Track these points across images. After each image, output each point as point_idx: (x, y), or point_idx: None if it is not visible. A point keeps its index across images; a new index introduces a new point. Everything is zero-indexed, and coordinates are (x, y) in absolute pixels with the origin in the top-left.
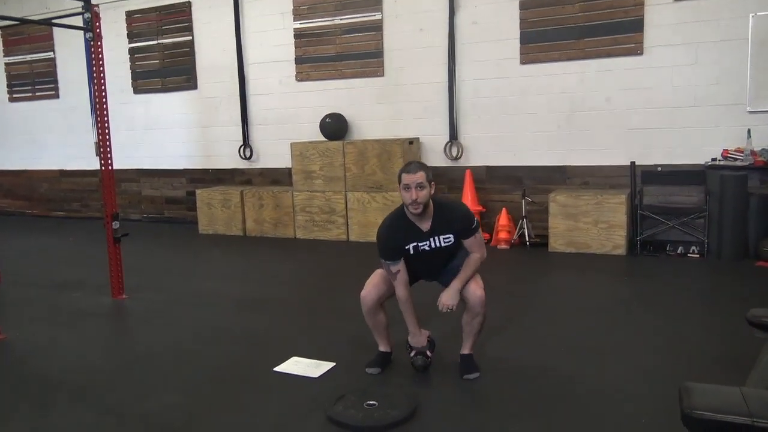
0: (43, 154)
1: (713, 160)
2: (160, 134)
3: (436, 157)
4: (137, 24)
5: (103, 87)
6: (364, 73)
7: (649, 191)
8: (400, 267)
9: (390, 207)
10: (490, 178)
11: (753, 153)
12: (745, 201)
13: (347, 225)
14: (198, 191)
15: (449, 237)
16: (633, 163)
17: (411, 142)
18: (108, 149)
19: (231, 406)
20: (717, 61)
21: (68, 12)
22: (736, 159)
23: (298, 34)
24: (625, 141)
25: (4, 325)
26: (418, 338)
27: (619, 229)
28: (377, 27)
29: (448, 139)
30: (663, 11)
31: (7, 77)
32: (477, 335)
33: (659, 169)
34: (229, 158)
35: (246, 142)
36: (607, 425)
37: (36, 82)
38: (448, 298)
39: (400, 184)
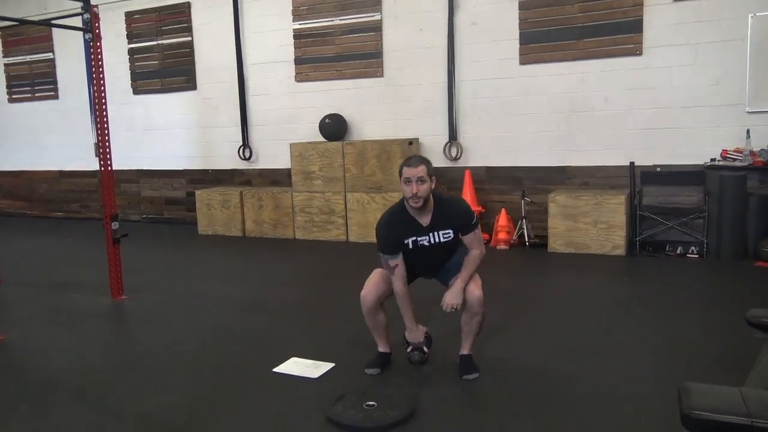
0: (43, 155)
1: (712, 160)
2: (160, 135)
3: (435, 157)
4: (137, 25)
5: (102, 88)
6: (363, 73)
7: (648, 191)
8: (398, 261)
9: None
10: (490, 178)
11: (752, 153)
12: (744, 201)
13: (346, 225)
14: (197, 192)
15: (449, 232)
16: (632, 163)
17: (410, 142)
18: (107, 150)
19: (230, 407)
20: (716, 61)
21: (68, 12)
22: (735, 159)
23: (298, 35)
24: (625, 141)
25: (3, 326)
26: (415, 333)
27: (619, 230)
28: (377, 27)
29: (447, 140)
30: (662, 12)
31: (6, 78)
32: (476, 335)
33: (658, 169)
34: (228, 159)
35: (245, 143)
36: (607, 425)
37: (35, 82)
38: (452, 297)
39: (401, 177)
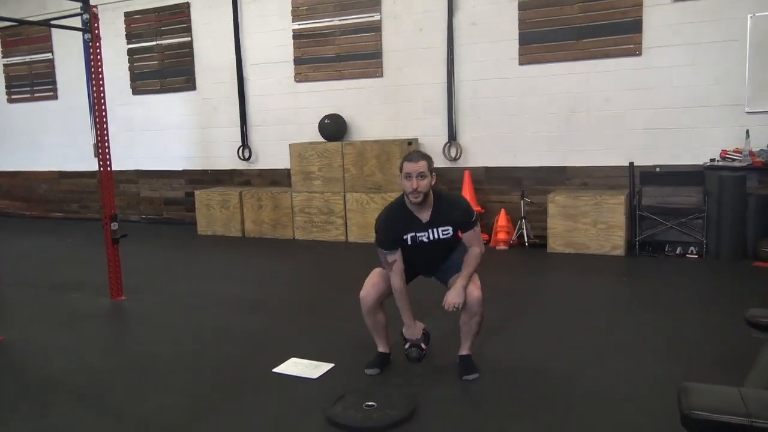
0: (42, 155)
1: (712, 160)
2: (159, 135)
3: (435, 157)
4: (136, 25)
5: (101, 88)
6: (363, 73)
7: (647, 192)
8: (396, 257)
9: None
10: (489, 178)
11: (751, 153)
12: (744, 201)
13: (346, 226)
14: (197, 192)
15: (448, 229)
16: (632, 163)
17: (410, 142)
18: (107, 150)
19: (230, 407)
20: (715, 61)
21: (67, 13)
22: (734, 159)
23: (297, 35)
24: (624, 141)
25: (3, 326)
26: (412, 330)
27: (618, 230)
28: (376, 28)
29: (447, 140)
30: (661, 12)
31: (5, 78)
32: (475, 336)
33: (658, 169)
34: (227, 159)
35: (245, 143)
36: (606, 425)
37: (35, 83)
38: (454, 296)
39: (401, 172)
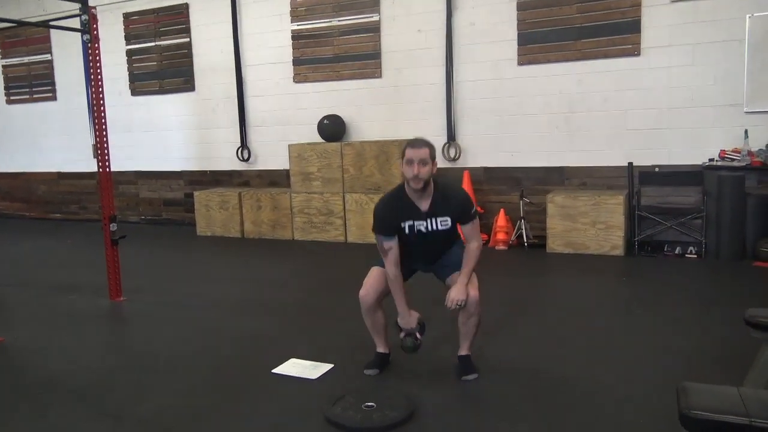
0: (41, 157)
1: (711, 160)
2: (158, 136)
3: None
4: (135, 26)
5: (100, 89)
6: (362, 74)
7: (646, 192)
8: (392, 244)
9: None
10: (488, 179)
11: (750, 153)
12: (743, 201)
13: (345, 226)
14: (196, 193)
15: (447, 220)
16: (631, 163)
17: None
18: (106, 151)
19: (229, 408)
20: (714, 62)
21: (65, 14)
22: (733, 159)
23: (296, 36)
24: (623, 142)
25: (3, 327)
26: (407, 319)
27: (617, 230)
28: (375, 28)
29: (446, 141)
30: (660, 12)
31: (4, 79)
32: (474, 336)
33: (657, 169)
34: (227, 160)
35: (244, 144)
36: (606, 426)
37: (33, 84)
38: (456, 293)
39: (403, 158)
